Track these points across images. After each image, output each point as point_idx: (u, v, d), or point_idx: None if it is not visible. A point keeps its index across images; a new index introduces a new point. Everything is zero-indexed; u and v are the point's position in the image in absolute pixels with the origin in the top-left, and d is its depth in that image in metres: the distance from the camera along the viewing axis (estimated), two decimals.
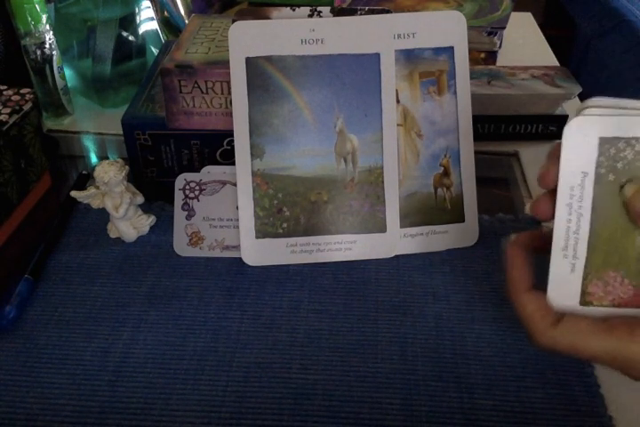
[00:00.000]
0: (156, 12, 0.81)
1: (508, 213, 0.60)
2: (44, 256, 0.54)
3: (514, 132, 0.71)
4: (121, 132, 0.58)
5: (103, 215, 0.56)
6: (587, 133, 0.34)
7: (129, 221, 0.55)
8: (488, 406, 0.43)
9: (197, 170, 0.56)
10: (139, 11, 0.76)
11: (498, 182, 0.67)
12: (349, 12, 0.54)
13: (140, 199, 0.56)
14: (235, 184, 0.54)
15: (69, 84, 0.76)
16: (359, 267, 0.54)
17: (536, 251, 0.38)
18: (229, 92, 0.53)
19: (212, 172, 0.55)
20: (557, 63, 0.89)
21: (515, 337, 0.48)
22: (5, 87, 0.60)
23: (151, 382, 0.44)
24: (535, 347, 0.36)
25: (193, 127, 0.57)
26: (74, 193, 0.54)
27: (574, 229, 0.35)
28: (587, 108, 0.34)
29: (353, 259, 0.54)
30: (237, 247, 0.54)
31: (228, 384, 0.44)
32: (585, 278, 0.36)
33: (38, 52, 0.70)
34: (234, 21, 0.51)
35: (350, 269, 0.54)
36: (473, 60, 0.80)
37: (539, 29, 1.03)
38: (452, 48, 0.54)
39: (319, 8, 0.54)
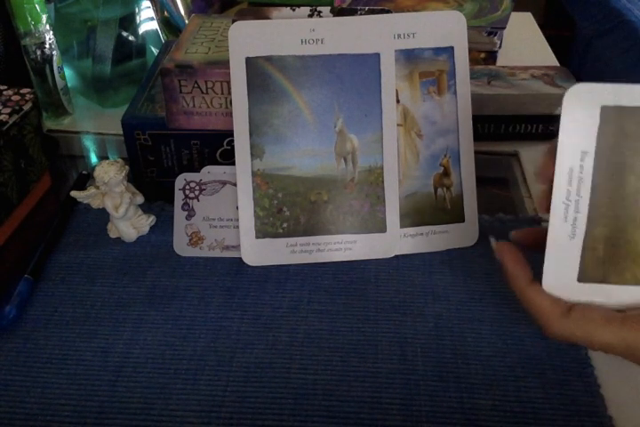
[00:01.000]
0: (156, 12, 0.80)
1: (508, 213, 0.60)
2: (43, 256, 0.54)
3: (514, 132, 0.71)
4: (121, 132, 0.58)
5: (103, 215, 0.56)
6: (588, 101, 0.33)
7: (129, 221, 0.55)
8: (488, 406, 0.43)
9: (197, 170, 0.56)
10: (139, 11, 0.76)
11: (498, 182, 0.67)
12: (349, 12, 0.54)
13: (140, 199, 0.56)
14: (235, 184, 0.54)
15: (69, 84, 0.76)
16: (359, 267, 0.54)
17: (534, 248, 0.38)
18: (229, 92, 0.53)
19: (212, 172, 0.55)
20: (557, 63, 0.89)
21: (515, 337, 0.48)
22: (5, 87, 0.60)
23: (151, 382, 0.44)
24: (549, 337, 0.36)
25: (193, 127, 0.57)
26: (74, 193, 0.54)
27: (575, 198, 0.35)
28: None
29: (353, 259, 0.54)
30: (237, 247, 0.54)
31: (228, 384, 0.44)
32: (584, 251, 0.36)
33: (38, 52, 0.70)
34: (234, 21, 0.51)
35: (350, 269, 0.54)
36: (473, 60, 0.80)
37: (539, 29, 1.03)
38: (451, 48, 0.54)
39: (319, 8, 0.54)
